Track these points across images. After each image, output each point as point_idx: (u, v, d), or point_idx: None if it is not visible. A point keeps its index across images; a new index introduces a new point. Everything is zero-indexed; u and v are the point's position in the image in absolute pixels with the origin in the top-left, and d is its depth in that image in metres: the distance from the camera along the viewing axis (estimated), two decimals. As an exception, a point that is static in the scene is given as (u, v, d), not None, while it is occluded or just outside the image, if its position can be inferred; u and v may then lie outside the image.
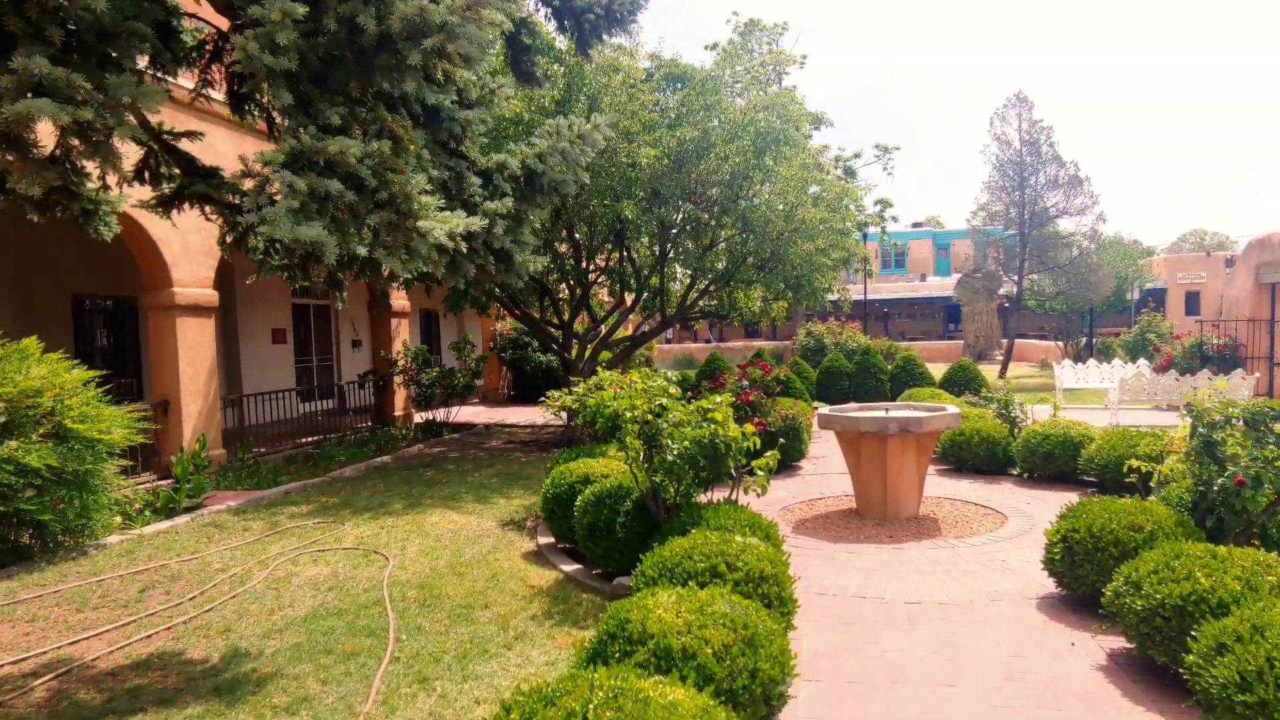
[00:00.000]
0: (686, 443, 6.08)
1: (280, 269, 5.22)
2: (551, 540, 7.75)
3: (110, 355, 14.95)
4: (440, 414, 16.61)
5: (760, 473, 6.29)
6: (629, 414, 6.10)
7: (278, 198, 3.73)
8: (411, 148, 3.99)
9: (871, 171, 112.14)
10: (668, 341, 44.80)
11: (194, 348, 11.29)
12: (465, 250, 4.45)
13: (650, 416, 6.10)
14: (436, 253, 4.20)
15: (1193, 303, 44.85)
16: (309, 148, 3.77)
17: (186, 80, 6.22)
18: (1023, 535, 7.50)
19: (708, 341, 42.73)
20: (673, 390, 6.28)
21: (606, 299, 16.88)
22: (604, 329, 14.60)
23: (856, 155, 25.48)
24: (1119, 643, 4.93)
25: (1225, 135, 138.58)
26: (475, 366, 16.65)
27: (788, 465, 11.21)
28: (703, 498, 6.76)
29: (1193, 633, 3.99)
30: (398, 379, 16.23)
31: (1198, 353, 17.85)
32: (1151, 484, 6.83)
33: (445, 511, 9.12)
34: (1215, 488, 5.32)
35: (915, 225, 56.12)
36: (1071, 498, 9.01)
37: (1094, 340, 29.63)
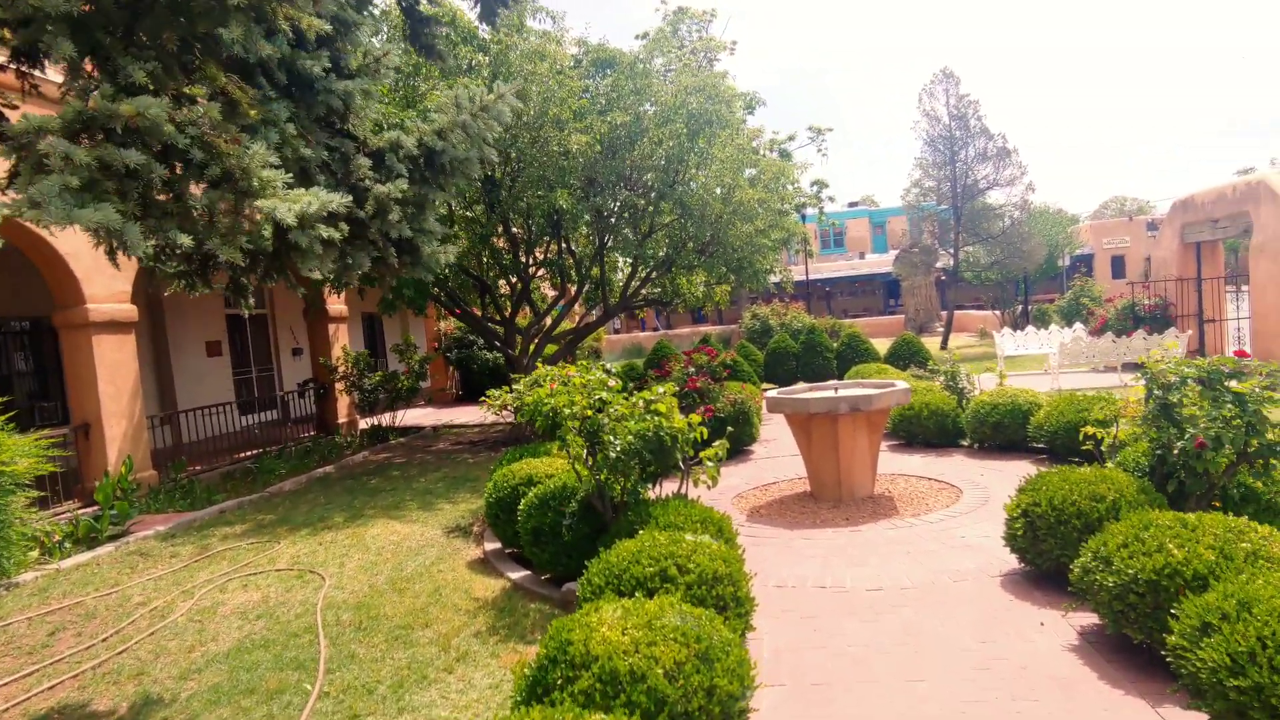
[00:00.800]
0: (630, 437, 5.65)
1: (177, 276, 4.67)
2: (498, 546, 7.27)
3: (32, 378, 14.01)
4: (386, 419, 15.95)
5: (710, 464, 5.90)
6: (567, 410, 5.65)
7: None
8: (252, 113, 3.42)
9: (806, 153, 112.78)
10: (616, 331, 44.34)
11: (114, 366, 10.52)
12: (344, 237, 3.88)
13: (590, 412, 5.66)
14: (318, 244, 3.61)
15: (1118, 266, 45.77)
16: (101, 111, 3.15)
17: None
18: (979, 509, 7.24)
19: (655, 330, 42.37)
20: (612, 383, 5.84)
21: (551, 292, 16.35)
22: (547, 322, 14.08)
23: (791, 138, 25.23)
24: (1089, 619, 4.64)
25: (1152, 115, 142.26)
26: (419, 368, 16.00)
27: (739, 450, 10.86)
28: (652, 493, 6.35)
29: (1172, 611, 3.69)
30: (339, 385, 15.53)
31: (1130, 314, 17.95)
32: (1104, 448, 6.60)
33: (388, 522, 8.58)
34: (1175, 451, 5.06)
35: (851, 205, 56.40)
36: (1024, 466, 8.82)
37: (1030, 307, 29.94)
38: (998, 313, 30.11)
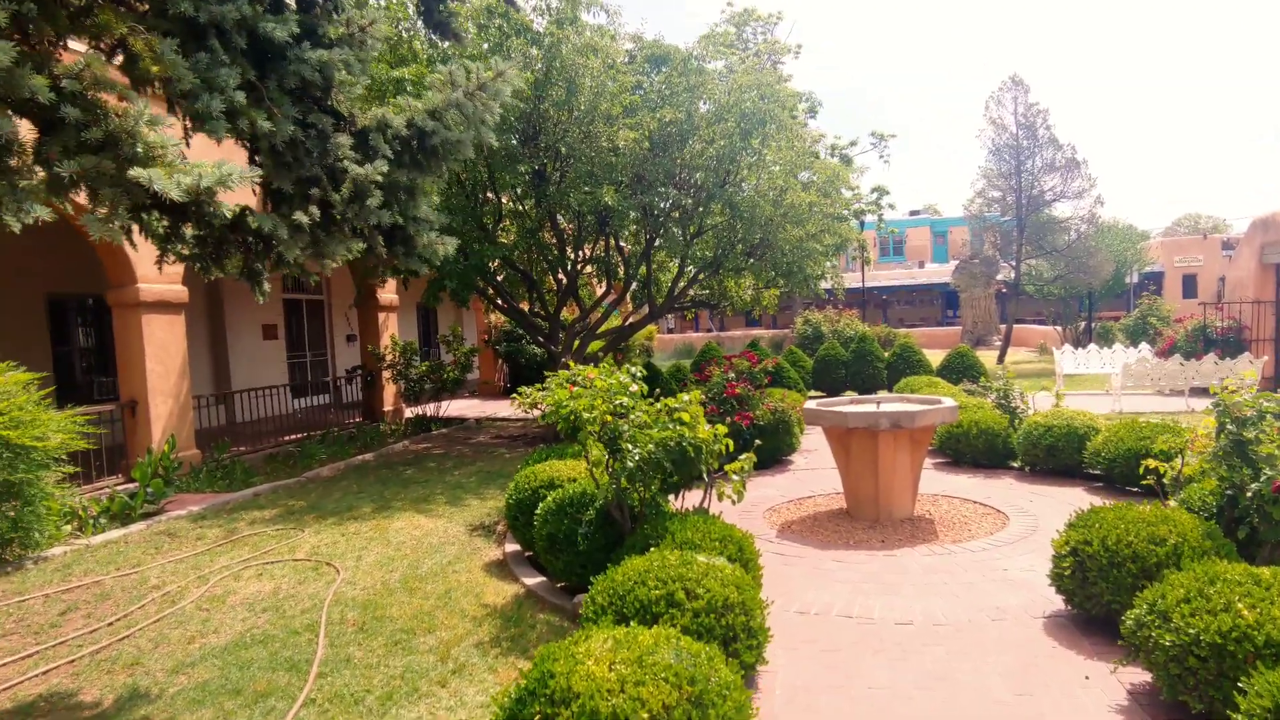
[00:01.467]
0: (651, 446, 5.29)
1: (192, 259, 4.44)
2: (518, 548, 6.97)
3: (92, 355, 14.25)
4: (431, 408, 15.86)
5: (735, 477, 5.50)
6: (587, 415, 5.31)
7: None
8: (154, 69, 3.08)
9: (868, 159, 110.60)
10: (670, 331, 43.98)
11: (162, 346, 10.54)
12: (315, 222, 3.56)
13: (609, 418, 5.31)
14: (284, 228, 3.26)
15: (1190, 286, 43.71)
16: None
17: None
18: (1026, 539, 6.68)
19: (708, 331, 41.86)
20: (634, 388, 5.47)
21: (599, 290, 16.05)
22: (592, 320, 13.77)
23: (853, 143, 24.53)
24: (1141, 678, 4.11)
25: (1230, 131, 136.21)
26: (465, 360, 15.87)
27: (778, 460, 10.40)
28: (676, 503, 5.98)
29: (1239, 684, 3.18)
30: (386, 374, 15.47)
31: (1201, 336, 16.92)
32: (1165, 481, 6.01)
33: (414, 515, 8.35)
34: (1249, 494, 4.49)
35: (913, 213, 55.00)
36: (1077, 493, 8.21)
37: (1093, 324, 28.64)
38: (1059, 328, 28.88)
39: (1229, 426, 4.73)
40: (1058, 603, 5.12)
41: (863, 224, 26.43)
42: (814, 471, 9.75)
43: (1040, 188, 24.91)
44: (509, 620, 5.33)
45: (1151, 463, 5.51)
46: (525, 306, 14.82)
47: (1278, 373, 15.40)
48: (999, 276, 29.96)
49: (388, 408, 15.76)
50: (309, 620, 5.44)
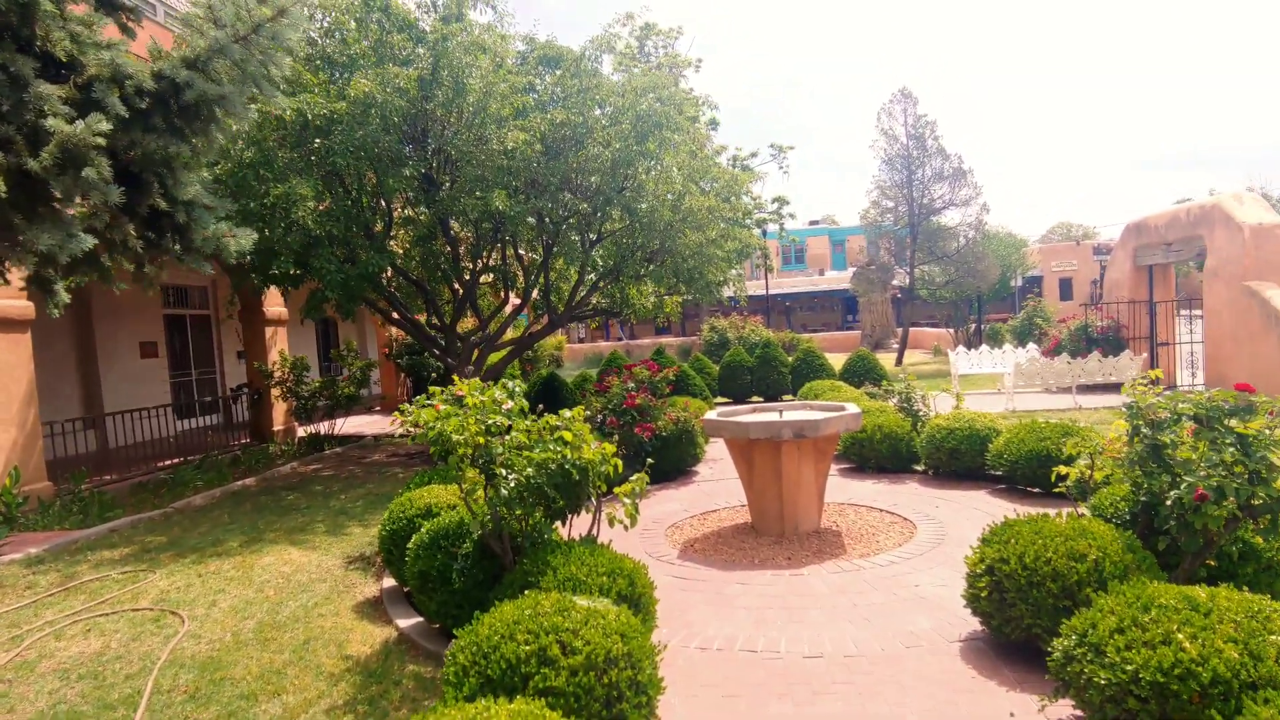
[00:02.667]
0: (529, 470, 4.57)
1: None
2: (396, 584, 6.13)
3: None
4: (325, 426, 14.69)
5: (627, 500, 4.82)
6: (457, 436, 4.55)
7: None
8: None
9: (768, 171, 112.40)
10: (580, 340, 43.24)
11: (4, 369, 9.23)
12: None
13: (482, 439, 4.57)
14: None
15: (1066, 288, 45.60)
16: None
17: None
18: (935, 548, 6.24)
19: (619, 339, 41.29)
20: (509, 405, 4.74)
21: (501, 300, 15.19)
22: (492, 330, 12.93)
23: (753, 154, 24.28)
24: (1071, 712, 3.62)
25: (1094, 146, 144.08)
26: (361, 375, 14.79)
27: (682, 471, 9.81)
28: (565, 530, 5.27)
29: (1193, 736, 2.68)
30: (275, 391, 14.25)
31: (1083, 335, 17.21)
32: (1069, 483, 5.63)
33: (286, 548, 7.39)
34: (1168, 501, 4.08)
35: (812, 223, 55.88)
36: (981, 496, 7.88)
37: (983, 326, 29.29)
38: (952, 330, 29.44)
39: (1144, 430, 4.33)
40: (973, 624, 4.63)
41: (765, 233, 26.28)
42: (719, 483, 9.19)
43: (930, 196, 25.28)
44: (371, 676, 4.52)
45: (1063, 469, 5.10)
46: (423, 318, 13.87)
47: (1153, 368, 15.73)
48: (894, 282, 30.41)
49: (278, 427, 14.53)
50: (131, 689, 4.50)
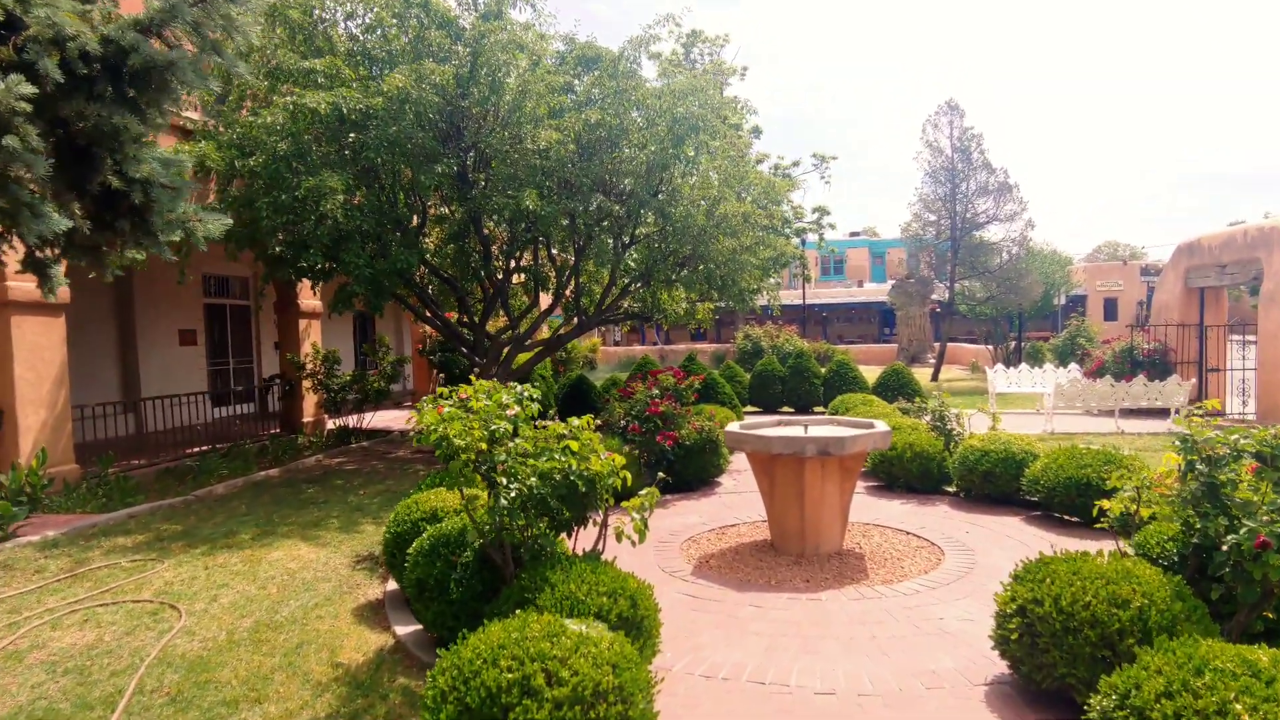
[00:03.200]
0: (533, 479, 4.30)
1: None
2: (399, 588, 5.90)
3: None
4: (354, 420, 14.63)
5: (635, 515, 4.51)
6: (460, 441, 4.29)
7: None
8: None
9: (810, 180, 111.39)
10: (616, 344, 43.06)
11: (35, 350, 9.22)
12: None
13: (484, 445, 4.30)
14: None
15: (1111, 309, 44.25)
16: None
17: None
18: (962, 578, 5.83)
19: (654, 344, 41.00)
20: (513, 410, 4.46)
21: (532, 301, 14.98)
22: (520, 330, 12.72)
23: (795, 164, 23.99)
24: (1106, 778, 3.24)
25: (1142, 167, 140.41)
26: (391, 370, 14.69)
27: (705, 482, 9.47)
28: (571, 544, 4.98)
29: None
30: (306, 383, 14.21)
31: (1128, 358, 16.49)
32: (1109, 515, 5.20)
33: (297, 544, 7.22)
34: (1224, 547, 3.67)
35: (853, 234, 55.05)
36: (1015, 523, 7.42)
37: (1023, 344, 28.45)
38: (990, 347, 28.63)
39: (1199, 467, 3.92)
40: (1000, 666, 4.24)
41: (804, 242, 25.89)
42: (741, 496, 8.84)
43: (974, 210, 24.61)
44: (359, 688, 4.27)
45: (1105, 503, 4.69)
46: (454, 316, 13.72)
47: (1202, 394, 15.00)
48: (934, 296, 29.70)
49: (307, 419, 14.49)
50: (114, 687, 4.31)
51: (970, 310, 26.99)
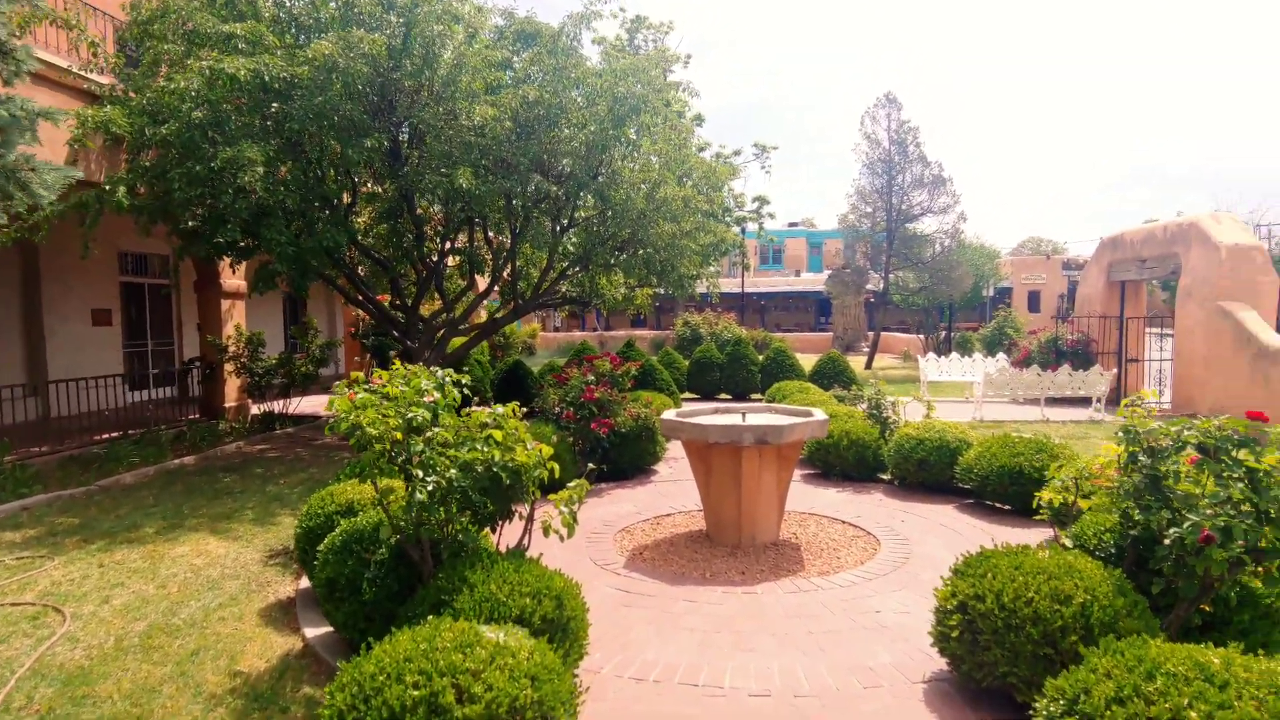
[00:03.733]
0: (453, 471, 3.94)
1: None
2: (312, 585, 5.47)
3: None
4: (280, 405, 13.93)
5: (564, 509, 4.20)
6: (372, 431, 3.90)
7: None
8: None
9: (750, 170, 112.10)
10: (556, 329, 42.53)
11: (-81, 328, 8.40)
12: None
13: (400, 435, 3.92)
14: None
15: (1034, 301, 45.56)
16: None
17: None
18: (899, 569, 5.68)
19: (595, 330, 40.61)
20: (430, 397, 4.09)
21: (468, 284, 14.44)
22: (453, 315, 12.23)
23: (736, 153, 23.82)
24: (1050, 784, 3.06)
25: (1064, 163, 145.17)
26: (319, 353, 14.02)
27: (641, 470, 9.20)
28: (495, 538, 4.64)
29: None
30: (229, 366, 13.46)
31: (1053, 348, 16.81)
32: (1042, 503, 5.10)
33: (206, 537, 6.70)
34: (1167, 541, 3.53)
35: (791, 225, 55.48)
36: (949, 511, 7.35)
37: (952, 334, 28.97)
38: (922, 337, 29.10)
39: (1142, 459, 3.78)
40: (939, 662, 4.07)
41: (745, 232, 25.80)
42: (677, 484, 8.59)
43: (909, 202, 24.84)
44: (256, 700, 3.86)
45: (1046, 495, 4.56)
46: (387, 299, 13.13)
47: (1120, 385, 15.37)
48: (869, 286, 30.06)
49: (230, 404, 13.73)
50: (-23, 704, 3.82)
51: (904, 300, 27.34)
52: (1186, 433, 3.66)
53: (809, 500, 7.76)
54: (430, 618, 3.27)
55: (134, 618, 4.93)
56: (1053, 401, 14.88)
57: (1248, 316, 12.50)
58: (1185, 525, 3.42)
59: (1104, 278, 16.82)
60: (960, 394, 17.16)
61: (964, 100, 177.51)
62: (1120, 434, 3.93)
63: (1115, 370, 14.54)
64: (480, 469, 4.00)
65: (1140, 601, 3.60)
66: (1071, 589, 3.53)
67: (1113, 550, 4.16)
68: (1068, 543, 4.34)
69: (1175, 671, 2.66)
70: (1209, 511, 3.41)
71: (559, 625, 3.67)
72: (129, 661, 4.29)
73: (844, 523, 6.96)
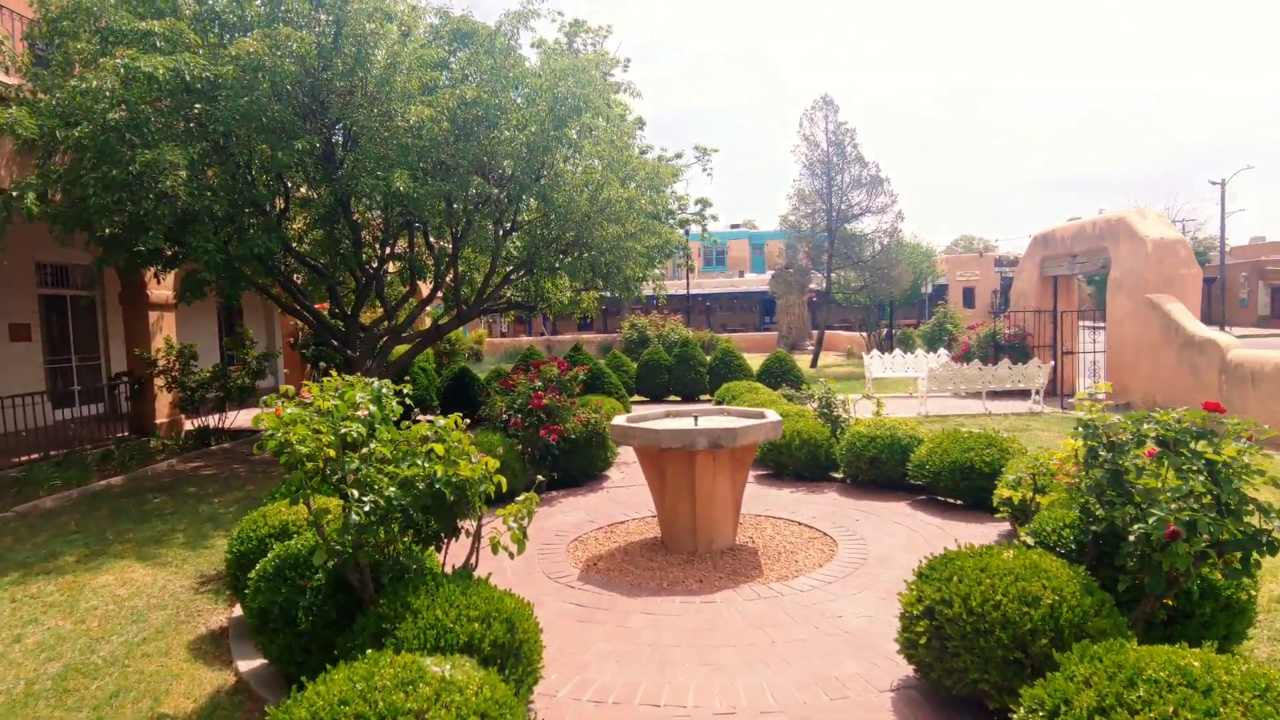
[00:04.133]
0: (391, 489, 3.66)
1: None
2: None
3: None
4: (216, 420, 13.28)
5: (513, 525, 3.95)
6: (303, 448, 3.60)
7: None
8: None
9: (692, 173, 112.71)
10: (503, 335, 42.00)
11: None
12: None
13: (333, 452, 3.62)
14: None
15: (969, 297, 46.68)
16: None
17: None
18: (858, 570, 5.56)
19: (542, 335, 40.18)
20: (365, 411, 3.80)
21: (410, 290, 14.00)
22: (394, 323, 11.80)
23: (678, 155, 23.78)
24: (1028, 796, 2.93)
25: (996, 165, 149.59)
26: (256, 365, 13.41)
27: (592, 476, 8.96)
28: (441, 557, 4.35)
29: None
30: (159, 381, 12.78)
31: (992, 342, 17.11)
32: (998, 500, 5.05)
33: (131, 564, 6.24)
34: (1132, 537, 3.45)
35: (734, 226, 55.85)
36: (903, 509, 7.28)
37: (894, 331, 29.40)
38: (865, 334, 29.46)
39: (1102, 453, 3.70)
40: (906, 668, 3.93)
41: (688, 234, 25.75)
42: (630, 489, 8.37)
43: (848, 202, 25.11)
44: (181, 745, 3.52)
45: (1005, 491, 4.47)
46: (325, 308, 12.62)
47: (1057, 376, 15.68)
48: (811, 285, 30.29)
49: (161, 420, 13.04)
50: None
51: (846, 299, 27.63)
52: (1146, 426, 3.58)
53: (763, 502, 7.62)
54: (370, 652, 2.98)
55: (48, 658, 4.50)
56: (994, 394, 15.12)
57: (1174, 308, 12.84)
58: (1151, 521, 3.33)
59: (1037, 273, 17.17)
60: (905, 390, 17.33)
61: (900, 102, 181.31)
62: (1079, 428, 3.84)
63: (1052, 363, 14.82)
64: (422, 486, 3.73)
65: (1107, 600, 3.50)
66: (1039, 590, 3.42)
67: (1073, 546, 4.09)
68: (1029, 540, 4.25)
69: (1157, 678, 2.54)
70: (1172, 506, 3.33)
71: (511, 650, 3.42)
72: (40, 709, 3.89)
73: (800, 524, 6.83)
